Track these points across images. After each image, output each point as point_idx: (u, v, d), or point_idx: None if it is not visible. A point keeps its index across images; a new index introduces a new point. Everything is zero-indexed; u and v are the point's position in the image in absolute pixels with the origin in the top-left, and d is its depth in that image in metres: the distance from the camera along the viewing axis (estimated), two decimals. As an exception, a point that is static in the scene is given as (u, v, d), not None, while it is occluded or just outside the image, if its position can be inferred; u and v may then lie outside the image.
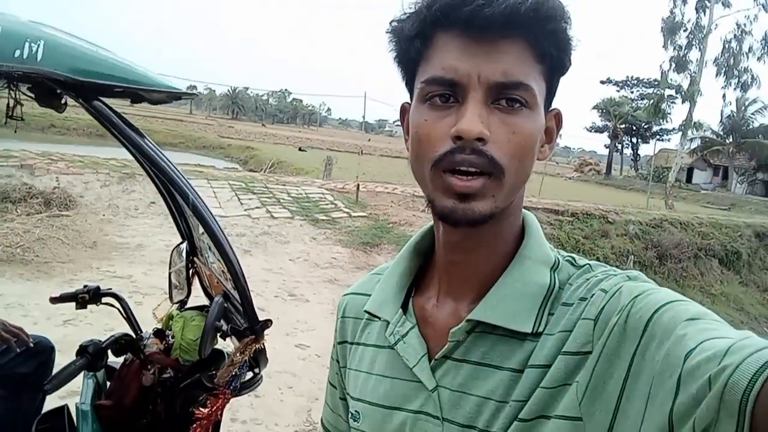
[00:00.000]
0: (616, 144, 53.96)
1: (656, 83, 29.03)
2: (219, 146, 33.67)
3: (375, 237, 8.61)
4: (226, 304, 1.77)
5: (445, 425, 0.67)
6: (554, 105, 0.70)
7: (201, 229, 2.48)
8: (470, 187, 0.60)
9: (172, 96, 1.68)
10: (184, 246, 2.54)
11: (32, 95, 1.80)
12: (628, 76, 56.49)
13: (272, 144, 37.32)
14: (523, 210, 0.73)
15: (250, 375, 1.82)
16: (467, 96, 0.61)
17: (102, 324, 4.67)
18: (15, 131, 1.96)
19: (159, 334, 2.05)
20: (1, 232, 6.39)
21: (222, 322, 1.73)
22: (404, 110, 0.72)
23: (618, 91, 55.10)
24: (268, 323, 1.68)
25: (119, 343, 1.79)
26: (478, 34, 0.60)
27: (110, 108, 1.49)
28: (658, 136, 49.49)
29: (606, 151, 55.68)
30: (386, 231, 8.90)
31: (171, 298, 2.49)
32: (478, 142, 0.59)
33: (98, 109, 1.43)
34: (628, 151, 59.89)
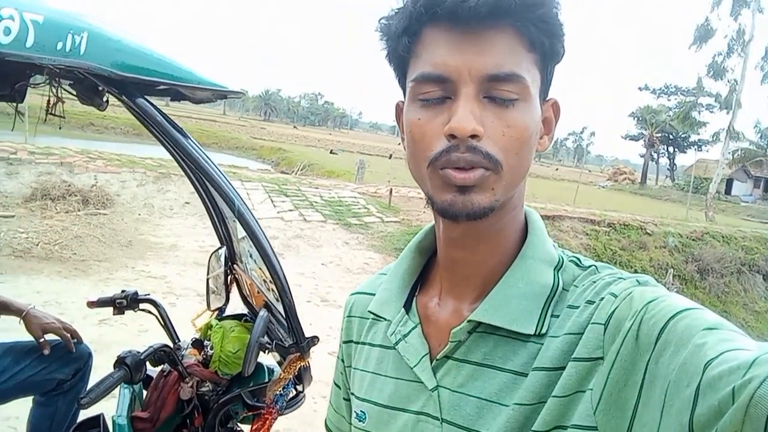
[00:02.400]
0: (652, 153, 52.71)
1: (694, 92, 28.27)
2: (251, 147, 34.02)
3: (408, 242, 8.44)
4: (270, 319, 1.66)
5: (444, 426, 0.65)
6: (552, 95, 0.68)
7: (240, 235, 2.41)
8: (469, 178, 0.59)
9: (218, 95, 1.58)
10: (222, 251, 2.46)
11: (74, 92, 1.73)
12: (666, 84, 55.31)
13: (303, 146, 37.55)
14: (527, 207, 0.71)
15: (293, 393, 1.71)
16: (458, 92, 0.59)
17: (136, 325, 4.65)
18: (60, 128, 1.91)
19: (197, 344, 1.96)
20: (40, 230, 6.47)
21: (265, 337, 1.63)
22: (399, 109, 0.70)
23: (656, 98, 53.87)
24: (314, 340, 1.57)
25: (157, 354, 1.69)
26: (465, 26, 0.58)
27: (155, 106, 1.40)
28: (696, 146, 48.16)
29: (641, 161, 54.46)
30: (419, 237, 8.75)
31: (209, 305, 2.41)
32: (472, 139, 0.58)
33: (142, 107, 1.34)
34: (663, 161, 58.54)
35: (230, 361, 1.86)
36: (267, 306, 1.92)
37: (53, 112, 1.74)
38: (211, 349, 1.93)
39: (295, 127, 79.95)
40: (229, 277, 2.38)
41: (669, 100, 53.65)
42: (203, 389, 1.84)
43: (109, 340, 4.46)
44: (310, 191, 10.55)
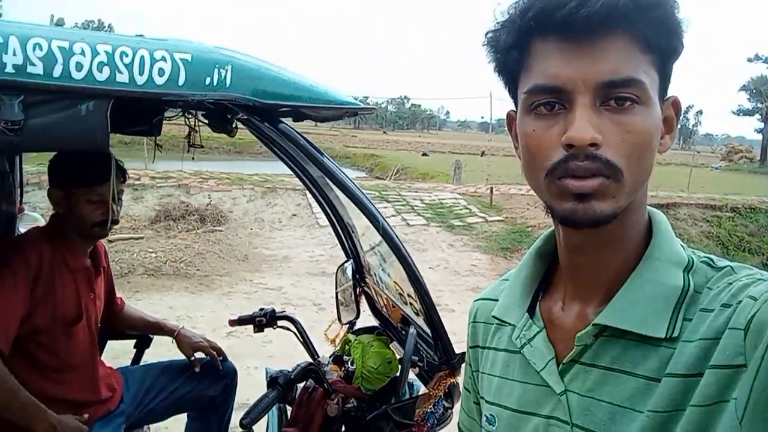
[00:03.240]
0: (772, 126, 47.89)
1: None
2: (345, 155, 34.80)
3: (514, 242, 8.26)
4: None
5: (575, 431, 0.65)
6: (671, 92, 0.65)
7: (367, 248, 2.41)
8: (587, 186, 0.58)
9: (344, 112, 1.57)
10: (349, 265, 2.47)
11: (206, 121, 1.81)
12: (783, 49, 49.93)
13: (395, 150, 37.88)
14: (650, 208, 0.69)
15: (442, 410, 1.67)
16: (574, 102, 0.58)
17: (261, 336, 4.85)
18: (192, 159, 2.01)
19: (337, 360, 1.97)
20: (166, 248, 6.96)
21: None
22: (511, 119, 0.70)
23: (769, 67, 48.90)
24: (464, 356, 1.51)
25: (305, 372, 1.72)
26: (577, 36, 0.57)
27: (296, 130, 1.41)
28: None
29: (757, 137, 49.69)
30: (526, 235, 8.50)
31: (340, 318, 2.43)
32: (591, 147, 0.57)
33: (284, 131, 1.36)
34: (788, 134, 52.93)
35: (372, 377, 1.86)
36: (404, 320, 1.90)
37: (193, 142, 1.82)
38: (352, 364, 1.93)
39: (384, 132, 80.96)
40: (357, 290, 2.40)
41: (788, 67, 48.58)
42: (347, 406, 1.85)
43: (239, 351, 4.67)
44: (409, 195, 10.57)
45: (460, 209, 9.89)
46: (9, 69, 1.05)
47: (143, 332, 2.32)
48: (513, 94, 0.67)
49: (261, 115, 1.35)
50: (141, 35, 1.24)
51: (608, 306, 0.64)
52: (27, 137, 1.09)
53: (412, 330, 1.60)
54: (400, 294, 1.92)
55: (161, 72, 1.18)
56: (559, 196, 0.60)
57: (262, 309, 2.19)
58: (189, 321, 5.24)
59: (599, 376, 0.64)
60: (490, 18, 0.65)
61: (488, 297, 0.85)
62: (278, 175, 10.32)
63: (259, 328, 2.19)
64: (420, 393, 1.84)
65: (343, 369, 1.94)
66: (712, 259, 0.65)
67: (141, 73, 1.16)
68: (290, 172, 2.46)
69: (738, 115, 52.63)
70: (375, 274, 2.21)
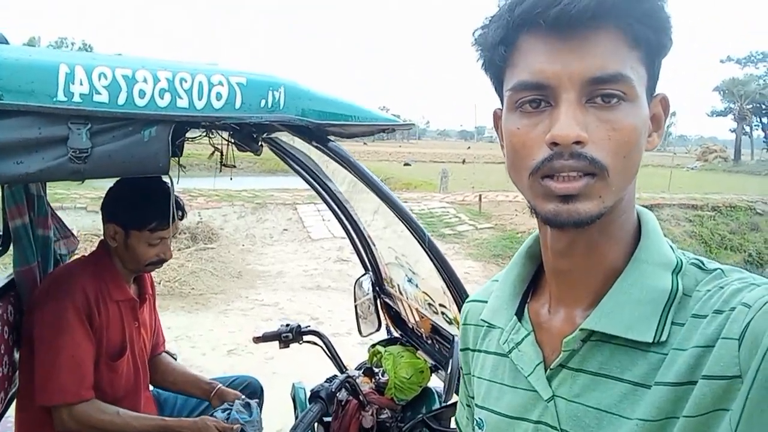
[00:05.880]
0: (744, 126, 49.17)
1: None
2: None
3: (505, 248, 8.35)
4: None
5: None
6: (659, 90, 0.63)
7: (386, 261, 2.44)
8: (571, 188, 0.57)
9: (380, 129, 1.62)
10: (367, 277, 2.50)
11: (231, 141, 1.83)
12: (751, 52, 51.50)
13: (376, 161, 37.92)
14: (639, 207, 0.67)
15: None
16: (559, 98, 0.57)
17: (261, 353, 4.84)
18: (231, 179, 2.02)
19: (368, 371, 1.99)
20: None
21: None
22: (497, 117, 0.69)
23: (741, 68, 50.34)
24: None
25: (342, 385, 1.75)
26: (564, 31, 0.56)
27: (343, 148, 1.46)
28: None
29: (730, 136, 50.97)
30: (516, 241, 8.60)
31: (360, 331, 2.46)
32: (576, 145, 0.56)
33: (334, 149, 1.39)
34: (757, 134, 54.36)
35: (405, 387, 1.89)
36: (434, 330, 1.94)
37: (225, 162, 1.84)
38: (383, 375, 1.96)
39: (365, 143, 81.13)
40: (378, 302, 2.43)
41: (757, 68, 50.05)
42: (382, 417, 1.88)
43: (241, 369, 4.65)
44: (398, 206, 10.62)
45: (450, 218, 9.97)
46: (76, 98, 1.08)
47: (177, 391, 2.13)
48: (499, 91, 0.66)
49: (311, 134, 1.39)
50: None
51: (595, 310, 0.63)
52: (93, 165, 1.10)
53: (456, 337, 1.63)
54: (429, 304, 1.96)
55: (218, 96, 1.21)
56: (542, 197, 0.59)
57: (287, 324, 2.21)
58: (188, 341, 5.20)
59: (587, 382, 0.63)
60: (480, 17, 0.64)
61: (479, 299, 0.83)
62: (267, 191, 10.30)
63: (285, 344, 2.20)
64: (455, 400, 1.88)
65: (374, 380, 1.97)
66: (702, 261, 0.64)
67: (200, 98, 1.19)
68: (307, 187, 2.49)
69: (712, 116, 53.92)
70: (398, 286, 2.24)
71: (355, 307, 2.53)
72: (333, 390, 1.68)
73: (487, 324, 0.78)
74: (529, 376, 0.68)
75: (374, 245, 2.43)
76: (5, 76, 1.04)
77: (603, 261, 0.64)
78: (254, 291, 6.76)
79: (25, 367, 1.72)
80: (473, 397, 0.81)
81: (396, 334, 2.31)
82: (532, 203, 0.62)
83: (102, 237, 1.81)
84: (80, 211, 8.13)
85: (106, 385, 1.73)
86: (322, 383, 1.70)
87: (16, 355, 1.82)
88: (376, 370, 2.00)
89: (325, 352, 2.17)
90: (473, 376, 0.81)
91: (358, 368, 2.08)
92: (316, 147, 1.39)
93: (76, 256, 2.17)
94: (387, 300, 2.35)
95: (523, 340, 0.71)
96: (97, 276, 1.73)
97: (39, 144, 1.07)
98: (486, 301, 0.79)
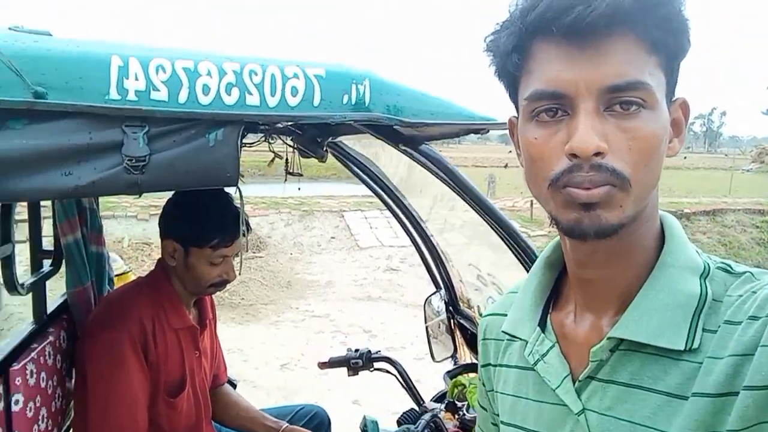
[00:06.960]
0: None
1: None
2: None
3: (562, 256, 7.99)
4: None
5: None
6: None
7: (466, 279, 2.21)
8: (594, 194, 0.55)
9: (476, 129, 1.38)
10: (439, 296, 2.28)
11: (294, 145, 1.64)
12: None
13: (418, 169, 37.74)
14: (662, 212, 0.66)
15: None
16: (577, 107, 0.55)
17: (315, 368, 4.67)
18: (299, 189, 1.85)
19: (450, 406, 1.76)
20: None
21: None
22: (512, 125, 0.68)
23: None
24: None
25: (429, 425, 1.52)
26: (580, 38, 0.54)
27: (436, 151, 1.24)
28: None
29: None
30: (573, 249, 8.22)
31: (433, 356, 2.23)
32: (596, 156, 0.54)
33: (426, 152, 1.18)
34: (821, 132, 51.62)
35: (497, 424, 1.65)
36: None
37: (292, 170, 1.66)
38: (467, 410, 1.73)
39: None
40: (452, 323, 2.20)
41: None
42: (467, 456, 1.64)
43: (294, 386, 4.49)
44: (447, 214, 10.37)
45: (501, 225, 9.66)
46: (131, 96, 0.89)
47: (238, 427, 1.94)
48: (514, 99, 0.64)
49: (399, 136, 1.18)
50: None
51: (622, 317, 0.61)
52: (152, 176, 0.91)
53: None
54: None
55: (294, 91, 1.01)
56: (563, 206, 0.57)
57: (357, 350, 2.00)
58: (240, 354, 5.08)
59: (618, 393, 0.61)
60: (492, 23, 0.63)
61: (497, 312, 0.81)
62: (313, 198, 10.21)
63: (354, 371, 1.99)
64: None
65: (457, 417, 1.73)
66: (729, 265, 0.62)
67: (273, 94, 0.99)
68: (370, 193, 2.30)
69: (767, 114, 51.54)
70: (477, 307, 2.01)
71: (426, 328, 2.30)
72: (419, 430, 1.45)
73: (508, 336, 0.76)
74: (556, 389, 0.66)
75: (448, 260, 2.21)
76: (49, 71, 0.85)
77: (628, 269, 0.63)
78: (304, 301, 6.62)
79: (79, 398, 1.56)
80: (498, 414, 0.78)
81: (470, 360, 2.08)
82: (552, 213, 0.60)
83: (155, 252, 1.64)
84: (131, 219, 8.18)
85: (164, 422, 1.56)
86: (406, 426, 1.48)
87: (69, 384, 1.67)
88: (459, 404, 1.77)
89: (400, 381, 1.95)
90: (497, 392, 0.79)
91: (436, 400, 1.85)
92: (403, 151, 1.18)
93: (132, 276, 2.00)
94: (462, 321, 2.12)
95: (548, 351, 0.69)
96: (155, 301, 1.56)
97: (90, 151, 0.88)
98: (505, 314, 0.77)
